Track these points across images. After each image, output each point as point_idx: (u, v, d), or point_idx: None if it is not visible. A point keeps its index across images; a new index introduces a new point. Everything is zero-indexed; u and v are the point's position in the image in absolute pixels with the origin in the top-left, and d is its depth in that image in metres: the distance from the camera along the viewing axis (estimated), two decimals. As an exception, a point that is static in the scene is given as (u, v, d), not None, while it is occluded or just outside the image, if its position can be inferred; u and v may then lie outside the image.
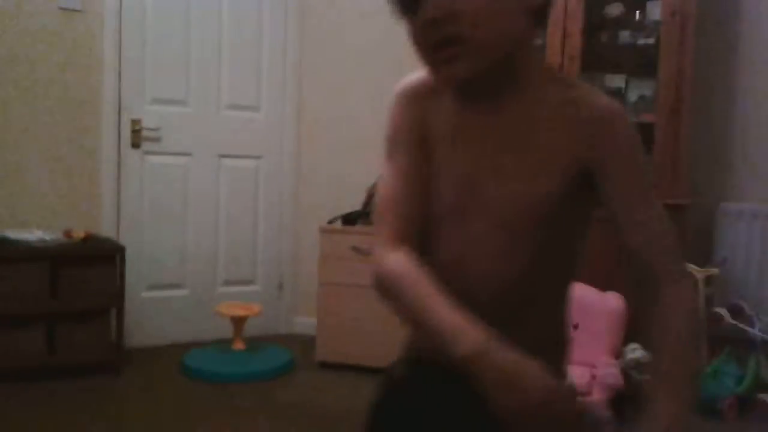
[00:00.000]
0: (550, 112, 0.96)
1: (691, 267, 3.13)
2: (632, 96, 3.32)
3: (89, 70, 3.45)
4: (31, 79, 3.32)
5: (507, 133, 0.97)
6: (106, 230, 3.50)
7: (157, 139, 3.63)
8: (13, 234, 3.11)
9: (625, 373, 2.88)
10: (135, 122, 3.57)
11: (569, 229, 1.01)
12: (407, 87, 1.03)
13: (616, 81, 3.36)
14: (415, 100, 1.02)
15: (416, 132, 1.01)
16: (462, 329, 0.87)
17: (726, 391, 2.97)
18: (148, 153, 3.62)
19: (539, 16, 0.94)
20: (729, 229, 3.39)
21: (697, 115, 3.21)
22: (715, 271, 3.20)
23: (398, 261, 0.96)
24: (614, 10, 3.30)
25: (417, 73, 1.02)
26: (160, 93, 3.64)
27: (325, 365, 3.41)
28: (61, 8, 3.36)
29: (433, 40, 0.90)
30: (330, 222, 3.50)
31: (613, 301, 3.00)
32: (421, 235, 1.01)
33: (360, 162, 3.74)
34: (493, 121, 0.97)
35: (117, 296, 3.21)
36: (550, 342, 1.04)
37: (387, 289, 0.97)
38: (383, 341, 3.31)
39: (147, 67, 3.60)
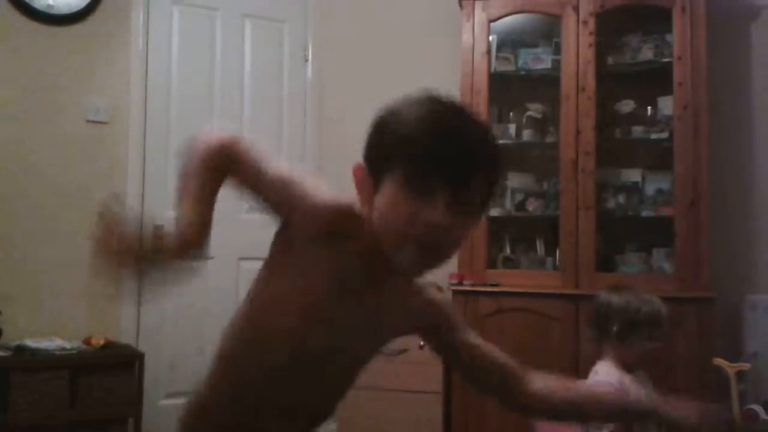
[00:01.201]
0: (407, 292, 1.19)
1: (722, 362, 3.04)
2: (649, 189, 3.33)
3: (113, 178, 3.54)
4: (56, 188, 3.41)
5: (379, 308, 1.14)
6: (125, 336, 3.49)
7: (178, 244, 3.66)
8: (34, 342, 3.10)
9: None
10: (157, 228, 3.61)
11: None
12: (336, 205, 1.07)
13: (632, 175, 3.38)
14: (347, 215, 1.07)
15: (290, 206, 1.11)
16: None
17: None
18: (169, 258, 3.65)
19: None
20: (757, 321, 3.30)
21: (716, 206, 3.20)
22: (746, 366, 3.10)
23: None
24: (625, 106, 3.36)
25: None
26: (182, 199, 3.71)
27: (347, 473, 3.29)
28: (89, 121, 3.49)
29: (420, 237, 1.01)
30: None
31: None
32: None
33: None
34: (375, 297, 1.13)
35: (135, 405, 3.17)
36: None
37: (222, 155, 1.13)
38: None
39: (170, 173, 3.69)
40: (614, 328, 2.04)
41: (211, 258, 3.75)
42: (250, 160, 1.11)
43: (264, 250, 1.26)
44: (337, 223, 1.06)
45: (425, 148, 1.00)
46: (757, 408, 3.05)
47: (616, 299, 2.09)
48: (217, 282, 3.76)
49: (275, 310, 1.12)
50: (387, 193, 1.03)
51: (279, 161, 1.10)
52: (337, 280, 1.08)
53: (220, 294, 3.77)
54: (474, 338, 1.27)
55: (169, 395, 3.61)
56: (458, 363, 1.31)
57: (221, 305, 3.78)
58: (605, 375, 2.02)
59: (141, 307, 3.58)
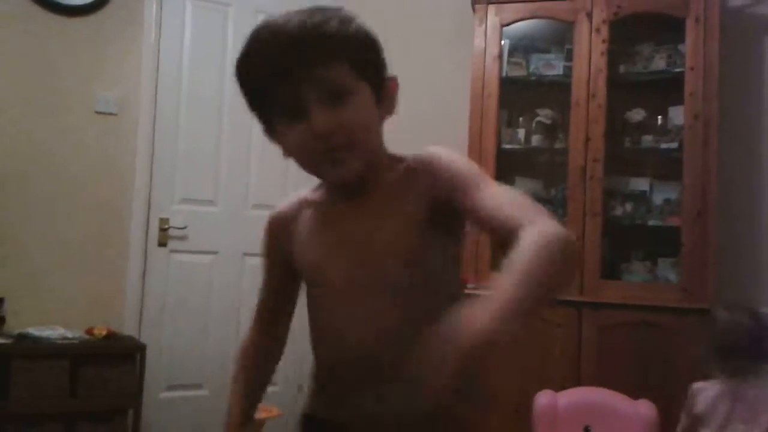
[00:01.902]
0: (398, 181, 1.13)
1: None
2: (657, 199, 3.31)
3: (121, 170, 3.54)
4: (62, 179, 3.42)
5: (373, 211, 1.14)
6: (128, 327, 3.49)
7: (183, 238, 3.67)
8: (36, 331, 3.11)
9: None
10: (163, 221, 3.63)
11: (439, 274, 1.14)
12: (272, 218, 1.27)
13: (641, 184, 3.37)
14: (277, 228, 1.25)
15: (277, 255, 1.27)
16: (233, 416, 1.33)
17: None
18: (174, 251, 3.66)
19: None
20: (763, 335, 3.28)
21: (723, 218, 3.18)
22: (750, 378, 3.08)
23: (246, 343, 1.42)
24: (636, 115, 3.35)
25: (283, 203, 1.26)
26: (189, 193, 3.72)
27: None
28: (98, 112, 3.50)
29: (323, 149, 1.04)
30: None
31: (644, 409, 2.89)
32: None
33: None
34: (361, 208, 1.14)
35: (135, 396, 3.17)
36: None
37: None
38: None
39: (178, 168, 3.70)
40: None
41: (216, 253, 3.76)
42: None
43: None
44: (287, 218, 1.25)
45: (252, 81, 1.08)
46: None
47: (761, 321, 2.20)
48: (221, 277, 3.77)
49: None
50: (279, 139, 1.13)
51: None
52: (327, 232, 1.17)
53: (224, 289, 3.78)
54: (480, 199, 1.07)
55: (170, 387, 3.62)
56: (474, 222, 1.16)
57: (225, 300, 3.79)
58: None
59: (144, 299, 3.59)
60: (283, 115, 1.07)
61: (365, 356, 1.12)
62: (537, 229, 0.92)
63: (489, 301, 0.85)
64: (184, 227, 3.66)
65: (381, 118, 1.12)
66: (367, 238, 1.13)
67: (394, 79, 1.13)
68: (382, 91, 1.11)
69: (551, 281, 0.87)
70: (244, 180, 3.85)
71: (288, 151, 1.12)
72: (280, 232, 1.24)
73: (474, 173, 1.09)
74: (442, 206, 1.10)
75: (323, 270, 1.16)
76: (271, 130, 1.13)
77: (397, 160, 1.16)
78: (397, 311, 1.10)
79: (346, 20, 1.06)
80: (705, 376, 2.98)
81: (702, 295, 3.03)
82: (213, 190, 3.78)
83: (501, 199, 1.03)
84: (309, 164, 1.09)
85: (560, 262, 0.89)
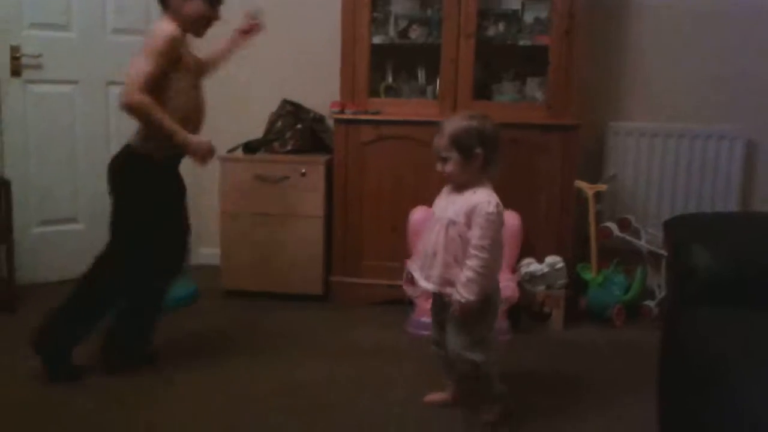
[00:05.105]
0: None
1: (582, 184, 3.27)
2: (528, 18, 3.35)
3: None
4: None
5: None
6: (-12, 165, 3.31)
7: (38, 67, 3.41)
8: None
9: (520, 285, 3.04)
10: (14, 49, 3.33)
11: None
12: (176, 33, 2.31)
13: (513, 3, 3.38)
14: (179, 41, 2.33)
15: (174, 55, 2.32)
16: (185, 134, 2.35)
17: (614, 299, 3.18)
18: (29, 82, 3.41)
19: None
20: (618, 146, 3.54)
21: (590, 37, 3.29)
22: (604, 187, 3.35)
23: (146, 98, 2.23)
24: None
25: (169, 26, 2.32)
26: (40, 17, 3.41)
27: (230, 294, 3.40)
28: None
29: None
30: (230, 151, 3.42)
31: (511, 219, 3.11)
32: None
33: (262, 89, 3.66)
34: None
35: (4, 232, 3.08)
36: None
37: (140, 109, 2.23)
38: (286, 268, 3.34)
39: (23, -11, 3.35)
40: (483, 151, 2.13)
41: (76, 83, 3.54)
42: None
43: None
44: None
45: None
46: (611, 225, 3.36)
47: (484, 124, 2.17)
48: (85, 108, 3.57)
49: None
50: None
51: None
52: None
53: (88, 120, 3.59)
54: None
55: (44, 222, 3.53)
56: None
57: (90, 131, 3.62)
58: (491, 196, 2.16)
59: (4, 135, 3.37)
60: None
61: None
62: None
63: None
64: (39, 55, 3.39)
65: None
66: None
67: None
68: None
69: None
70: (100, 1, 3.54)
71: (191, 12, 2.36)
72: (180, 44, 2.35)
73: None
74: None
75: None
76: None
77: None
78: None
79: None
80: (568, 187, 3.21)
81: (566, 111, 3.18)
82: (65, 13, 3.47)
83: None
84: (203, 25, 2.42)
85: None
